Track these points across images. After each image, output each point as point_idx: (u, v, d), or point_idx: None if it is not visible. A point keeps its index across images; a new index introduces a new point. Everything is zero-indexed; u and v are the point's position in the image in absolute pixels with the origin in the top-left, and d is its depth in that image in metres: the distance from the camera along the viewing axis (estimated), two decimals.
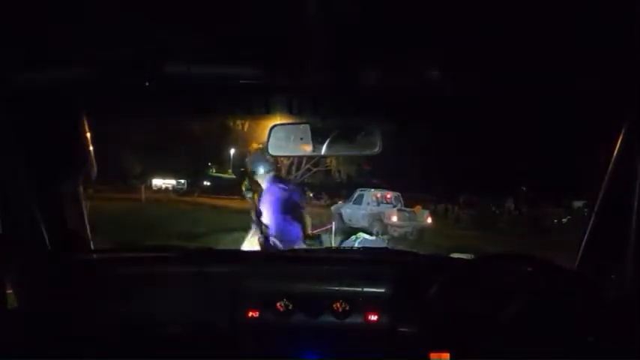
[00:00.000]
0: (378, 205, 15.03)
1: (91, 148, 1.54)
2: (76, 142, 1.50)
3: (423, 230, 13.82)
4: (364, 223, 13.87)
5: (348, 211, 15.10)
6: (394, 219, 13.87)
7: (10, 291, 1.26)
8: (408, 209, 14.65)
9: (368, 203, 15.01)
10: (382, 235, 12.78)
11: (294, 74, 1.19)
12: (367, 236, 5.72)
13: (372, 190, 15.63)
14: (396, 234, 13.28)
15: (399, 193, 15.80)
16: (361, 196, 15.28)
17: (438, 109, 1.48)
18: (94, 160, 1.56)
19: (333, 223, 13.49)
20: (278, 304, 1.37)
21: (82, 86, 1.27)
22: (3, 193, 1.25)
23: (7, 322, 1.24)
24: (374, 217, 14.19)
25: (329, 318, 1.36)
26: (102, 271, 1.51)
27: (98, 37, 1.10)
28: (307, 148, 1.52)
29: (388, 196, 15.53)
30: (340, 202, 17.77)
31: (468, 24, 1.02)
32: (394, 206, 14.93)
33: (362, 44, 1.12)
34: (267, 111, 1.47)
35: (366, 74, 1.21)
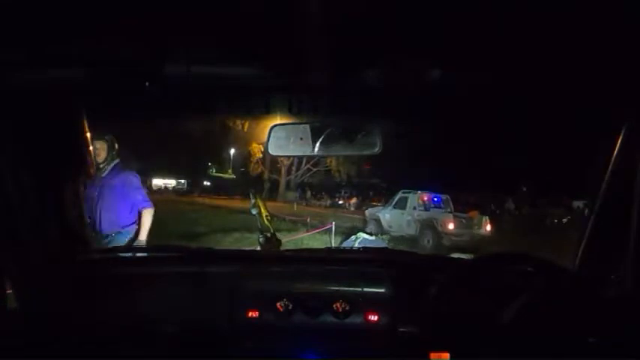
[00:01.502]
0: (427, 209, 12.79)
1: (91, 148, 1.54)
2: (76, 142, 1.50)
3: (482, 240, 11.40)
4: (410, 231, 12.17)
5: (388, 216, 12.99)
6: (451, 227, 11.71)
7: (10, 291, 1.26)
8: (463, 215, 12.61)
9: (414, 208, 12.75)
10: (436, 245, 11.14)
11: (294, 74, 1.19)
12: (367, 236, 5.74)
13: (419, 192, 13.14)
14: (448, 244, 11.22)
15: (447, 196, 13.41)
16: (404, 199, 13.03)
17: (438, 109, 1.48)
18: (94, 160, 1.56)
19: (372, 227, 12.34)
20: (278, 304, 1.37)
21: (82, 86, 1.27)
22: (3, 193, 1.25)
23: (7, 322, 1.24)
24: (424, 223, 12.13)
25: (329, 318, 1.36)
26: (102, 271, 1.51)
27: (98, 38, 1.10)
28: (307, 148, 1.53)
29: (436, 199, 13.33)
30: (377, 205, 15.56)
31: (468, 24, 1.02)
32: (445, 211, 12.84)
33: (362, 44, 1.11)
34: (267, 111, 1.47)
35: (366, 74, 1.21)
